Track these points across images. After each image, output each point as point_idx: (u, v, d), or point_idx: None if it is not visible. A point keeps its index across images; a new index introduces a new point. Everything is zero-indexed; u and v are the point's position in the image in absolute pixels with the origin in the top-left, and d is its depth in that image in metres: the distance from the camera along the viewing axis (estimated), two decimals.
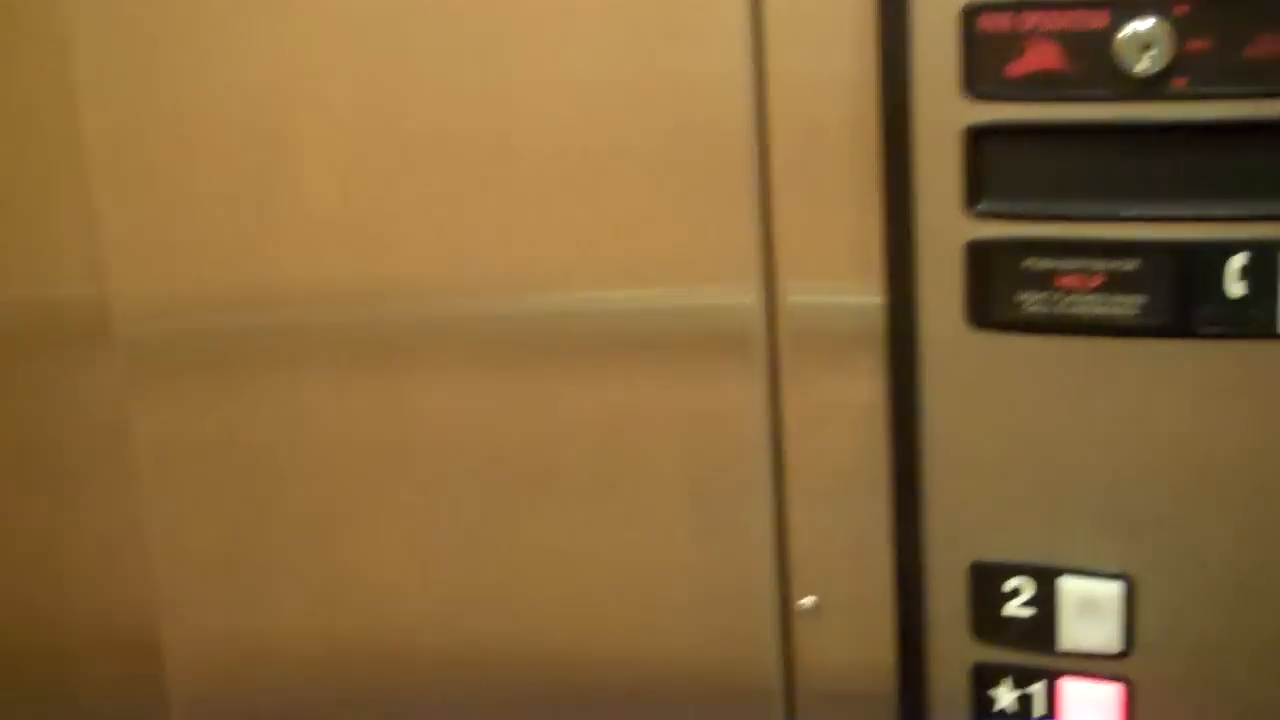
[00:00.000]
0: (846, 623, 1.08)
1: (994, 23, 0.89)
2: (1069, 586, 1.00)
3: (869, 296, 1.00)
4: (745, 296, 1.03)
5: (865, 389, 1.02)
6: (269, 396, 1.11)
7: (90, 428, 1.13)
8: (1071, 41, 0.87)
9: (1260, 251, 0.90)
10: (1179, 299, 0.92)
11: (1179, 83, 0.87)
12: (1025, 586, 1.01)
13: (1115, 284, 0.92)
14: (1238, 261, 0.90)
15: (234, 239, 1.09)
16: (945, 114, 0.92)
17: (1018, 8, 0.88)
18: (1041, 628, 1.02)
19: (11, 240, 1.13)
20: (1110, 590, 0.99)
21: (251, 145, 1.08)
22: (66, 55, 1.08)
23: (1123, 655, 1.00)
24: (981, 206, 0.94)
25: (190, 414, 1.12)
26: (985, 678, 1.04)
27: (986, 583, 1.02)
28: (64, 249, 1.12)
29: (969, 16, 0.89)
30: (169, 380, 1.12)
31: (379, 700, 1.14)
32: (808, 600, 1.08)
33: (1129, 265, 0.92)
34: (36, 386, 1.13)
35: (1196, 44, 0.86)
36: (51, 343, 1.13)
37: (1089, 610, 1.00)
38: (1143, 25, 0.87)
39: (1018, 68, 0.89)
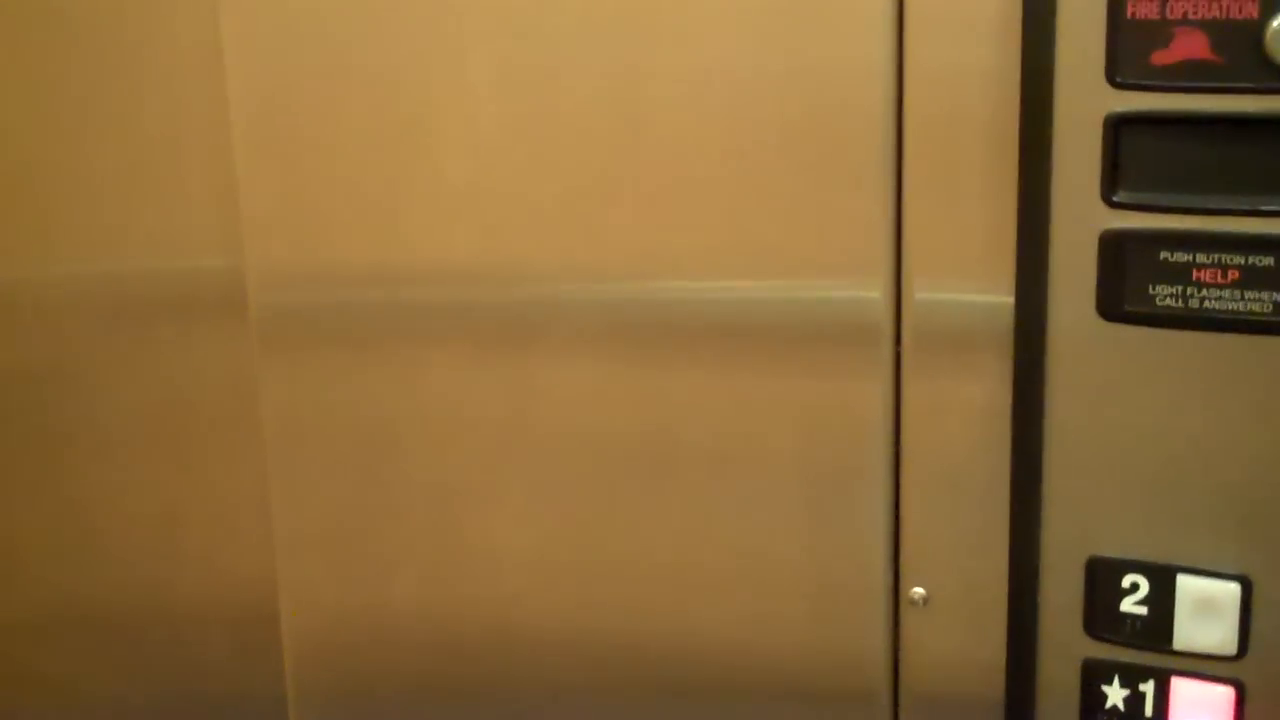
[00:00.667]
0: (956, 618, 1.08)
1: (1142, 10, 0.90)
2: (1186, 585, 1.00)
3: (997, 294, 1.00)
4: (873, 290, 1.04)
5: (987, 386, 1.03)
6: (396, 371, 1.12)
7: (220, 397, 1.15)
8: (1220, 31, 0.88)
9: None
10: None
11: None
12: (1142, 584, 1.01)
13: (1251, 279, 0.93)
14: None
15: (369, 214, 1.11)
16: (1087, 103, 0.93)
17: None
18: (1156, 626, 1.02)
19: (152, 208, 1.15)
20: (1228, 591, 0.99)
21: (391, 122, 1.10)
22: (215, 26, 1.10)
23: (1237, 658, 1.00)
24: (1119, 197, 0.94)
25: (319, 386, 1.13)
26: (1096, 675, 1.04)
27: (1103, 578, 1.02)
28: (203, 219, 1.14)
29: (1116, 3, 0.90)
30: (299, 352, 1.13)
31: (493, 677, 1.15)
32: (918, 591, 1.08)
33: (1265, 260, 0.92)
34: (169, 354, 1.15)
35: None
36: (186, 311, 1.15)
37: (1205, 610, 1.00)
38: None
39: (1164, 56, 0.90)
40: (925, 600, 1.09)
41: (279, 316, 1.13)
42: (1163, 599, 1.01)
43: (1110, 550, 1.02)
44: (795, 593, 1.11)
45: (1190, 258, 0.94)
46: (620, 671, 1.14)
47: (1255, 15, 0.87)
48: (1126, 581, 1.02)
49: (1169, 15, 0.89)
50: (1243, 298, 0.93)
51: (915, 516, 1.08)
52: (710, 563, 1.12)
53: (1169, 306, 0.95)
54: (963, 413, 1.04)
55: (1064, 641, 1.04)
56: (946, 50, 0.98)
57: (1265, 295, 0.93)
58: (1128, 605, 1.02)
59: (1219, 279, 0.93)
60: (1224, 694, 1.01)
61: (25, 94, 1.14)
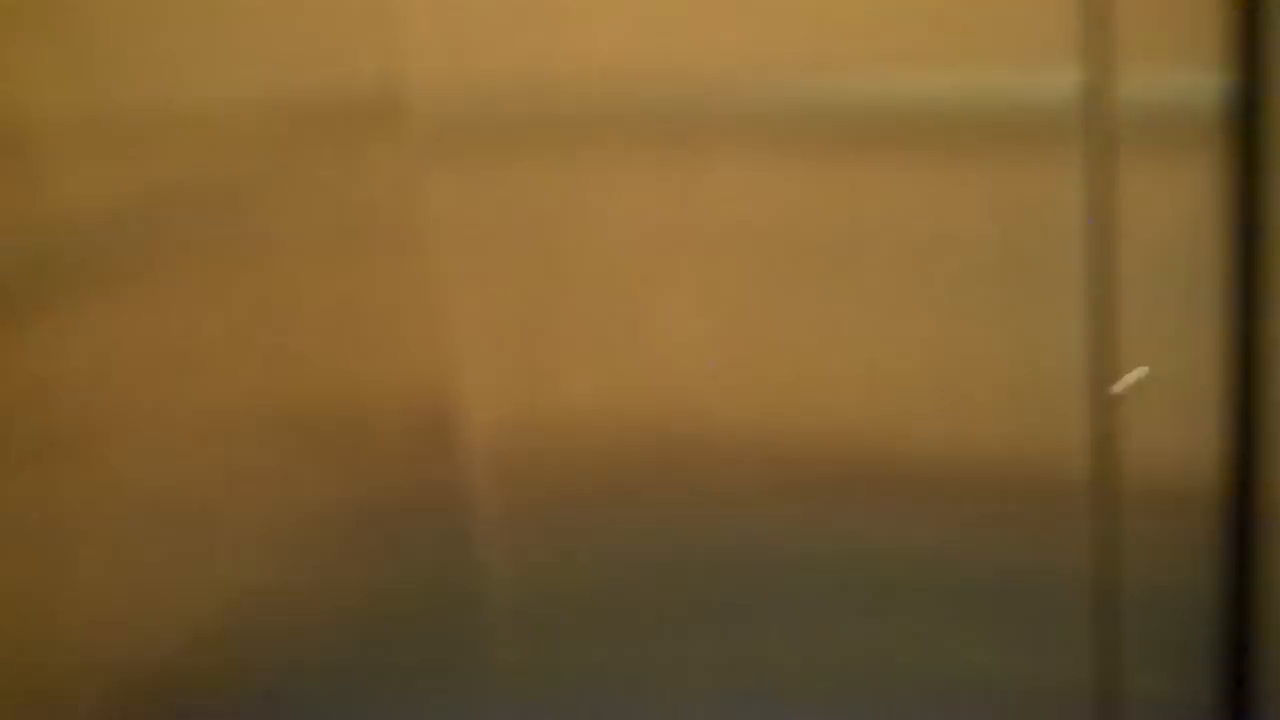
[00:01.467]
0: (1169, 408, 1.04)
1: None
2: None
3: (1208, 74, 0.93)
4: (1076, 74, 0.98)
5: (1199, 169, 0.96)
6: (563, 176, 1.09)
7: (386, 202, 1.12)
8: None
9: None
10: None
11: None
12: None
13: None
14: None
15: (531, 17, 1.06)
16: None
17: None
18: None
19: (316, 19, 1.11)
20: None
21: None
22: None
23: None
24: None
25: (485, 190, 1.10)
26: None
27: None
28: (364, 28, 1.10)
29: None
30: (463, 159, 1.10)
31: (672, 476, 1.13)
32: (1128, 379, 1.03)
33: None
34: (338, 166, 1.12)
35: None
36: (351, 120, 1.12)
37: None
38: None
39: None
40: (1134, 390, 1.03)
41: (444, 121, 1.10)
42: None
43: None
44: (996, 385, 1.06)
45: None
46: (805, 470, 1.11)
47: None
48: None
49: None
50: None
51: (1125, 305, 1.02)
52: (903, 358, 1.08)
53: None
54: (1173, 197, 0.98)
55: None
56: None
57: None
58: None
59: None
60: None
61: None
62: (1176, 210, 0.99)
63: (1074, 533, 1.08)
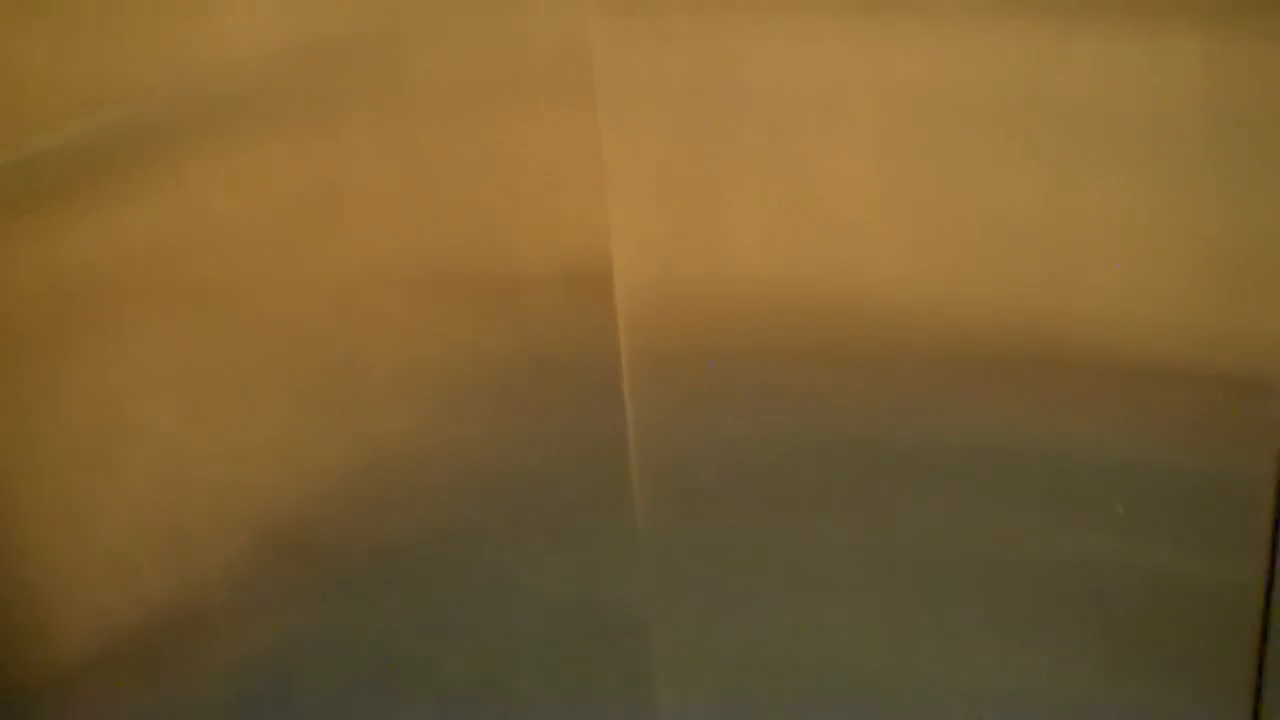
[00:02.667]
0: None
1: None
2: None
3: None
4: None
5: None
6: (738, 33, 1.04)
7: (550, 53, 1.07)
8: None
9: None
10: None
11: None
12: None
13: None
14: None
15: None
16: None
17: None
18: None
19: None
20: None
21: None
22: None
23: None
24: None
25: (654, 44, 1.05)
26: None
27: None
28: None
29: None
30: (633, 16, 1.05)
31: (836, 344, 1.08)
32: None
33: None
34: (502, 10, 1.07)
35: None
36: None
37: None
38: None
39: None
40: None
41: None
42: None
43: None
44: (1180, 260, 1.00)
45: None
46: (976, 342, 1.06)
47: None
48: None
49: None
50: None
51: None
52: (1083, 225, 1.02)
53: None
54: None
55: None
56: None
57: None
58: None
59: None
60: None
61: None
62: None
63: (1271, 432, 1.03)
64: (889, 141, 1.04)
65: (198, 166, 1.09)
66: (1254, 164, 0.98)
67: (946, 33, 1.00)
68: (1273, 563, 1.04)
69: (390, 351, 1.14)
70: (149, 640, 1.23)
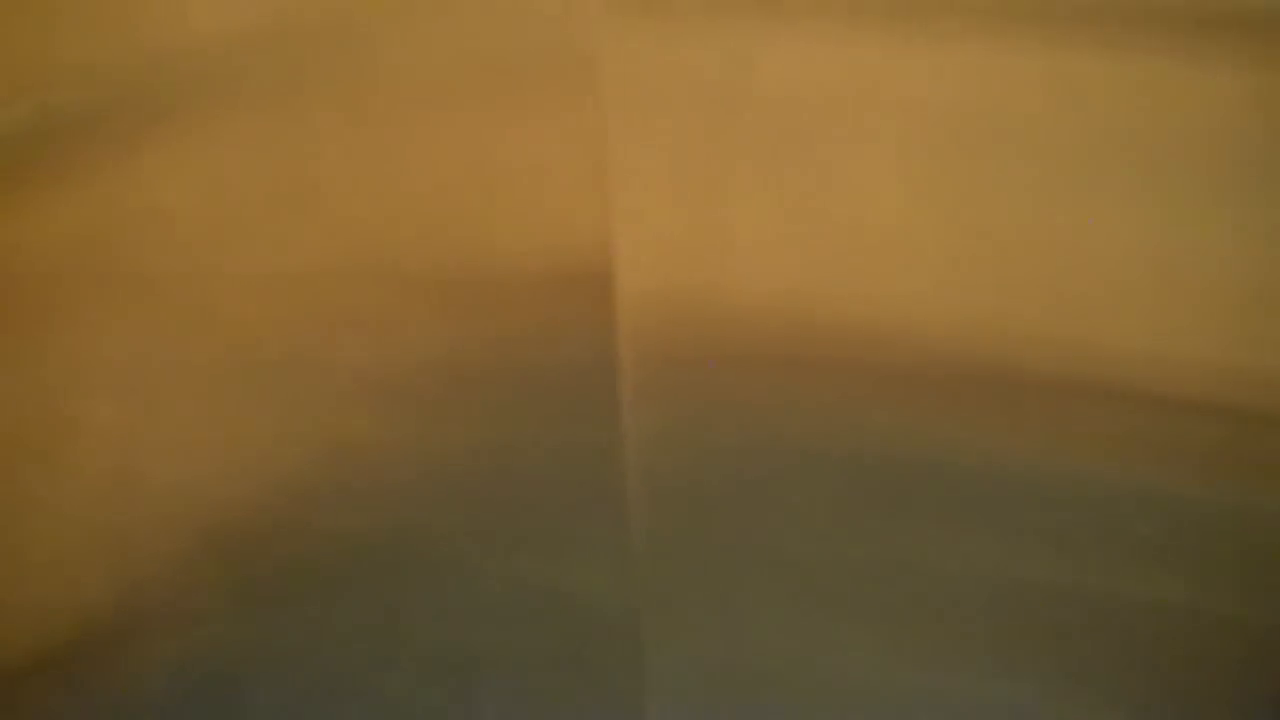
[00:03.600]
0: None
1: None
2: None
3: None
4: None
5: None
6: (756, 34, 0.98)
7: (554, 45, 1.03)
8: None
9: None
10: None
11: None
12: None
13: None
14: None
15: None
16: None
17: None
18: None
19: None
20: None
21: None
22: None
23: None
24: None
25: (666, 42, 1.00)
26: None
27: None
28: None
29: None
30: (644, 18, 1.00)
31: (842, 358, 1.05)
32: None
33: None
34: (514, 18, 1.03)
35: None
36: None
37: None
38: None
39: None
40: None
41: None
42: None
43: None
44: (1217, 302, 0.96)
45: None
46: (989, 364, 1.02)
47: None
48: None
49: None
50: None
51: None
52: (1113, 258, 0.97)
53: None
54: None
55: None
56: None
57: None
58: None
59: None
60: None
61: None
62: None
63: None
64: (907, 150, 0.99)
65: (151, 153, 1.04)
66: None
67: (969, 44, 0.96)
68: None
69: (356, 350, 1.09)
70: (87, 645, 1.18)
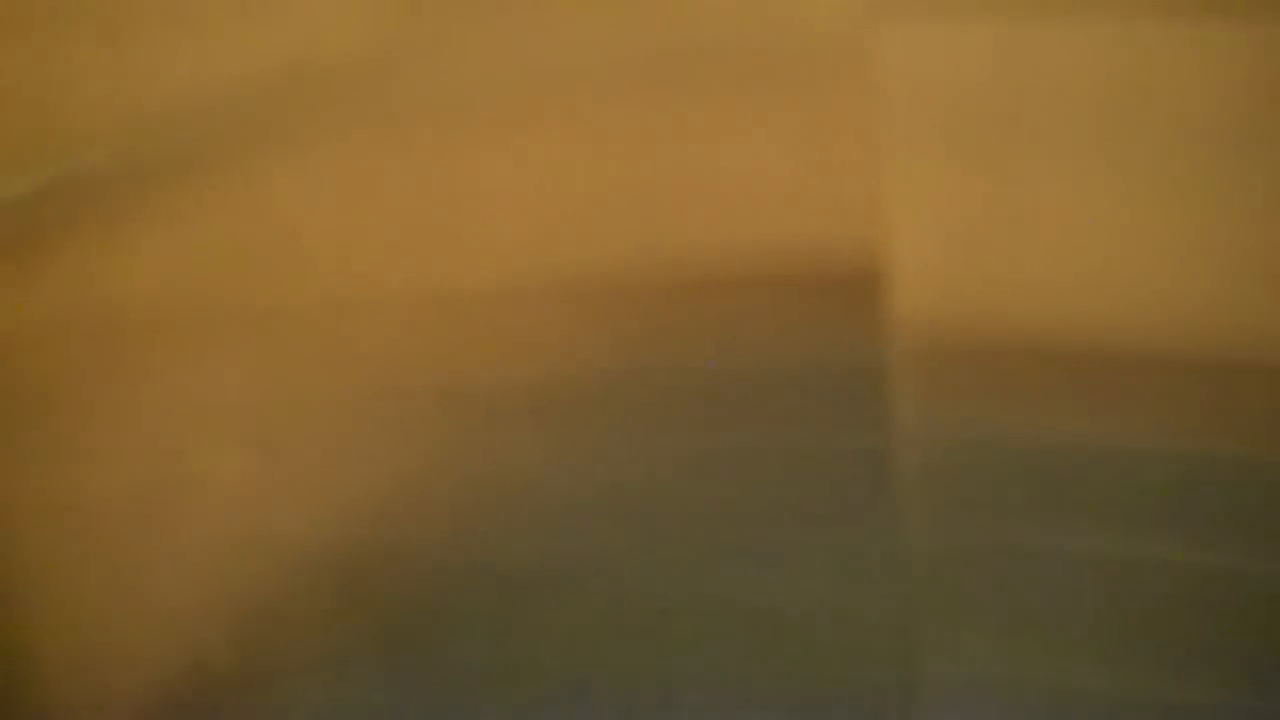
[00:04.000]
0: None
1: None
2: None
3: None
4: None
5: None
6: (1047, 38, 0.89)
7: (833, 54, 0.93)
8: None
9: None
10: None
11: None
12: None
13: None
14: None
15: None
16: None
17: None
18: None
19: None
20: None
21: None
22: None
23: None
24: None
25: (942, 49, 0.91)
26: None
27: None
28: None
29: None
30: (919, 23, 0.90)
31: (1130, 371, 0.97)
32: None
33: None
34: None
35: None
36: None
37: None
38: None
39: None
40: None
41: None
42: None
43: None
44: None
45: None
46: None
47: None
48: None
49: None
50: None
51: None
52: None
53: None
54: None
55: None
56: None
57: None
58: None
59: None
60: None
61: None
62: None
63: None
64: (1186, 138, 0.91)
65: (286, 182, 0.94)
66: None
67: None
68: None
69: (525, 371, 1.00)
70: (208, 697, 1.13)
